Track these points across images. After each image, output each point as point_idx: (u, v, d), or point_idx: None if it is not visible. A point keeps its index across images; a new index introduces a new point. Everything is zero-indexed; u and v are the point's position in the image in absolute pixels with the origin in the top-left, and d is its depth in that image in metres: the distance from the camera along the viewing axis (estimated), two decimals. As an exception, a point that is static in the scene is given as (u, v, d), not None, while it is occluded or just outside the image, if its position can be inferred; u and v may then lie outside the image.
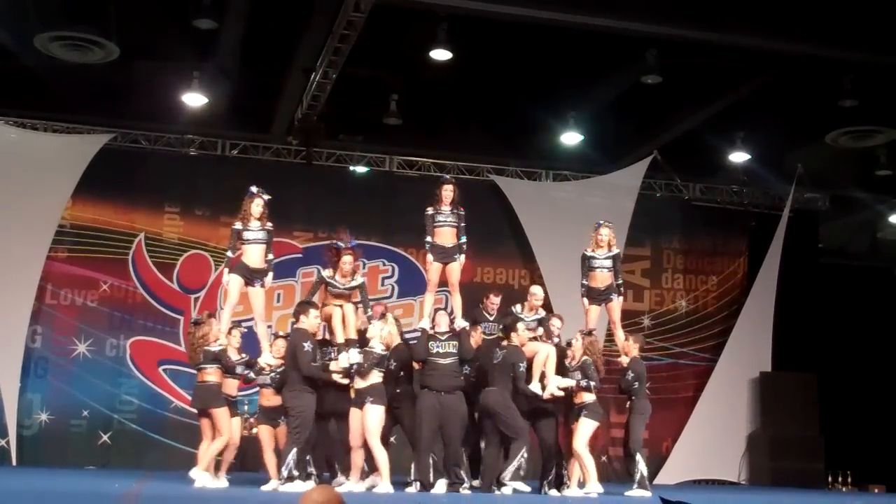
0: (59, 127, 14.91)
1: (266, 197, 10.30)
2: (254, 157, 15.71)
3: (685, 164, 16.52)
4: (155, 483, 9.80)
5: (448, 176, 11.85)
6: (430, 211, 10.81)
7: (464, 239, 10.86)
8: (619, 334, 11.18)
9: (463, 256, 10.87)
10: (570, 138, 15.31)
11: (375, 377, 9.72)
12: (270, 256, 10.42)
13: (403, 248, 15.99)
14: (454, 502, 8.83)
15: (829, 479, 15.82)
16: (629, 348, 10.91)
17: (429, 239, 10.80)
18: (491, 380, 10.23)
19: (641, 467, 10.41)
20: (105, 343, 14.83)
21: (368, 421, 9.60)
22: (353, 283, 10.24)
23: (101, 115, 14.85)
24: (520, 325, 10.17)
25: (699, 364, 16.82)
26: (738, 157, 16.04)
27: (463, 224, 10.83)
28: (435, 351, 10.23)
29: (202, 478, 9.64)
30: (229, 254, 10.37)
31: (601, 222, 11.24)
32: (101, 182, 14.80)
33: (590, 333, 10.66)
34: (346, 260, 10.16)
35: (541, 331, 10.63)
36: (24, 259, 14.12)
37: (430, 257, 10.84)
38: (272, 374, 10.02)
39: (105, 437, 14.51)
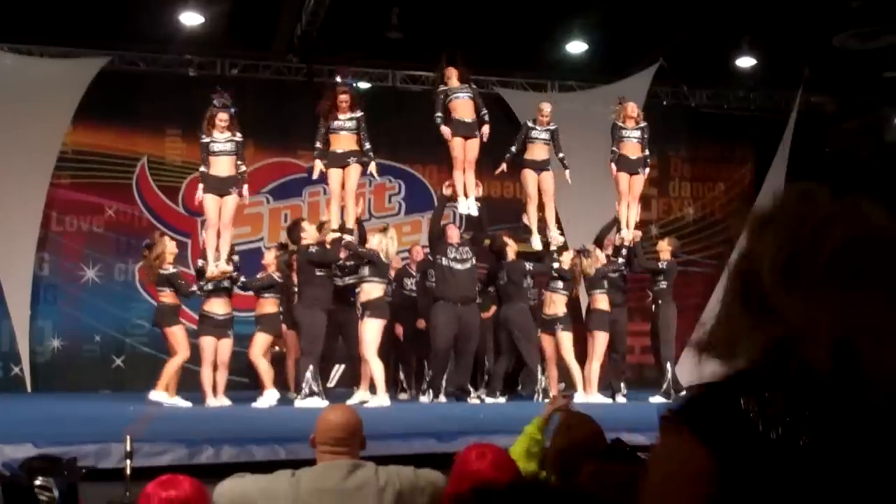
0: (55, 52, 14.66)
1: (232, 109, 10.31)
2: (254, 76, 15.47)
3: (691, 71, 16.30)
4: (169, 404, 9.87)
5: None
6: (441, 88, 10.64)
7: (485, 111, 10.81)
8: (635, 209, 11.25)
9: (487, 127, 10.82)
10: (576, 47, 15.07)
11: (377, 291, 9.79)
12: (243, 168, 10.43)
13: (410, 164, 15.88)
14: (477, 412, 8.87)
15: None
16: (662, 248, 11.06)
17: (439, 114, 10.68)
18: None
19: (669, 375, 10.66)
20: (113, 268, 14.84)
21: (365, 333, 9.68)
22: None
23: (98, 37, 14.61)
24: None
25: (708, 271, 16.80)
26: (745, 61, 15.80)
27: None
28: (452, 256, 10.20)
29: (160, 397, 9.77)
30: (202, 169, 10.47)
31: (623, 96, 11.38)
32: (100, 106, 14.63)
33: None
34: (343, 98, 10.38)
35: None
36: (27, 187, 13.99)
37: (445, 130, 10.68)
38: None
39: (118, 361, 14.60)
